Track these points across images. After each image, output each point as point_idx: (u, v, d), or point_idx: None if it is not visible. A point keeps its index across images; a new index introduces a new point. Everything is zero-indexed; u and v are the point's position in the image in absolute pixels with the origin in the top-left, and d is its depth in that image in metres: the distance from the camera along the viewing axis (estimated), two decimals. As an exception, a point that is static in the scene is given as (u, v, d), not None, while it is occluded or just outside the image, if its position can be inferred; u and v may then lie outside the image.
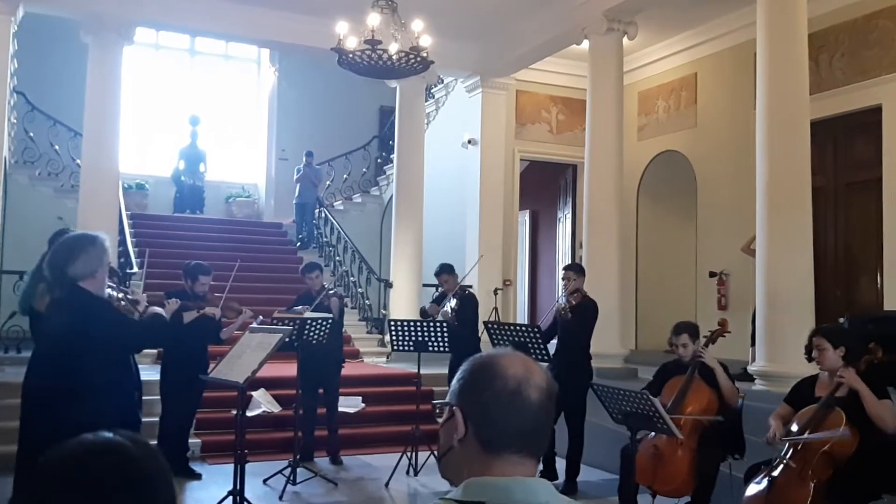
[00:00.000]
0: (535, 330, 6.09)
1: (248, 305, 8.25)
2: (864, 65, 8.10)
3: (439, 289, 7.62)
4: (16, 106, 11.43)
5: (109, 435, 1.11)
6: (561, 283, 6.65)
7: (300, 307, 6.92)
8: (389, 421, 7.96)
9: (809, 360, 4.50)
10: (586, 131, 8.89)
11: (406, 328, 6.86)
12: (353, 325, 10.86)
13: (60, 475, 1.05)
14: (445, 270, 7.36)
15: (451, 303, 6.91)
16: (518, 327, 6.45)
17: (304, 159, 13.55)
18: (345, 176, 14.71)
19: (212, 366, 5.56)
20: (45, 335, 3.62)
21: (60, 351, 3.36)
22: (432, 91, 12.69)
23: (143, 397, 5.42)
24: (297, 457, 6.31)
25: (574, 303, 6.24)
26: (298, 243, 13.31)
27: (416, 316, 8.09)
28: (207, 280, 6.34)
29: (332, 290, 7.21)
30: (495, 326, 6.49)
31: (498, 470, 1.35)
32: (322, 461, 6.97)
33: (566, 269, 6.59)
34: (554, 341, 6.37)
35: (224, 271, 11.36)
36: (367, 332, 11.21)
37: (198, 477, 6.38)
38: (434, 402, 7.19)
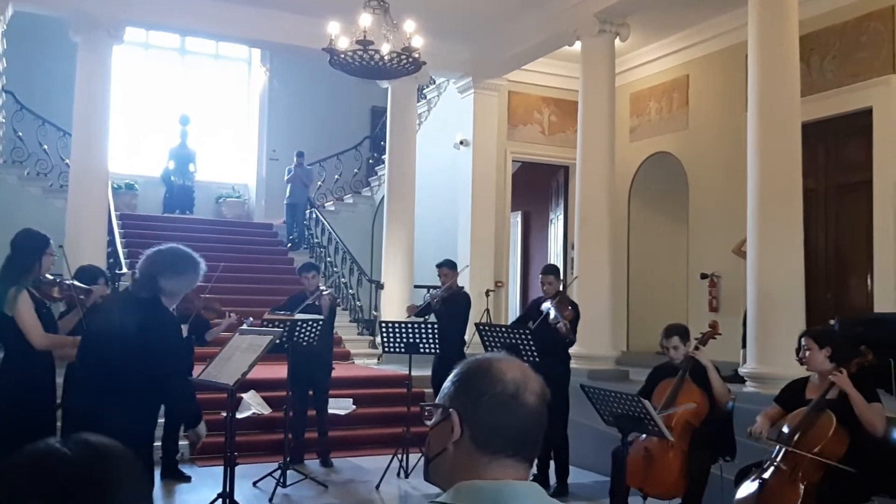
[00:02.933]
0: (527, 332, 6.07)
1: (239, 306, 8.22)
2: (855, 67, 8.12)
3: (430, 291, 7.60)
4: (4, 105, 11.37)
5: (50, 442, 1.06)
6: (542, 288, 6.56)
7: (282, 313, 6.82)
8: (380, 423, 7.94)
9: (800, 361, 4.51)
10: (578, 133, 8.88)
11: (397, 330, 6.84)
12: (343, 326, 10.83)
13: None
14: (447, 265, 7.43)
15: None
16: (510, 329, 6.43)
17: (294, 160, 13.50)
18: (336, 176, 14.68)
19: (201, 368, 5.51)
20: (97, 324, 3.52)
21: (109, 348, 3.24)
22: (424, 92, 12.66)
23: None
24: (287, 459, 6.29)
25: (570, 319, 6.18)
26: (289, 244, 13.27)
27: (405, 318, 8.05)
28: None
29: (325, 291, 7.19)
30: (487, 328, 6.47)
31: (491, 473, 1.34)
32: (312, 463, 6.94)
33: (545, 272, 6.54)
34: None
35: (214, 272, 11.28)
36: (358, 334, 11.18)
37: (187, 479, 6.34)
38: (422, 404, 7.16)
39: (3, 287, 4.07)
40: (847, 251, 8.45)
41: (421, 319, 7.17)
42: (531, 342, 5.97)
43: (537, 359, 5.81)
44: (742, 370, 6.63)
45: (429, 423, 1.45)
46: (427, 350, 6.75)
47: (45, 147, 12.09)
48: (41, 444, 1.06)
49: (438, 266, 7.44)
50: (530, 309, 6.58)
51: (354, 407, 7.80)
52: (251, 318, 6.47)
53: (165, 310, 3.37)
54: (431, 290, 7.74)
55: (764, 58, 6.64)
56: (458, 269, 7.57)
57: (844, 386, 4.09)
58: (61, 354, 4.33)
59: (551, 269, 6.66)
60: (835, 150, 8.53)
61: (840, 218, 8.49)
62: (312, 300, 6.95)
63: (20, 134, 11.84)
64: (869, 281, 8.06)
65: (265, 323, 6.29)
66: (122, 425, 1.19)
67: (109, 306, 3.67)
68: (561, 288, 6.57)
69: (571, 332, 6.18)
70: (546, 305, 6.30)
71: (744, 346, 7.01)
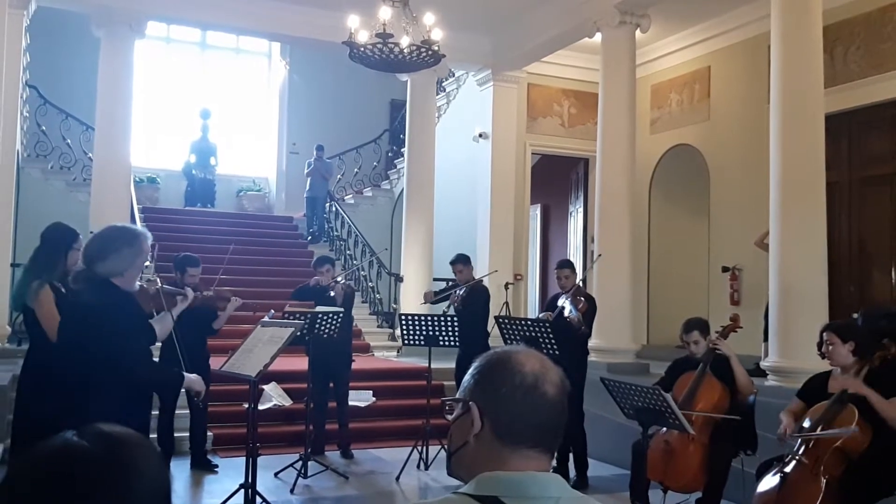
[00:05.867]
0: (546, 325, 6.07)
1: (259, 299, 8.27)
2: (879, 58, 8.01)
3: (449, 282, 7.61)
4: (28, 100, 11.48)
5: (67, 436, 1.05)
6: (557, 283, 6.58)
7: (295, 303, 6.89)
8: (400, 415, 7.98)
9: (822, 356, 4.47)
10: (598, 125, 8.84)
11: (417, 322, 6.86)
12: (363, 318, 10.87)
13: (13, 495, 1.01)
14: (461, 260, 7.41)
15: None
16: (529, 322, 6.43)
17: (314, 153, 13.55)
18: (355, 170, 14.70)
19: (219, 359, 5.55)
20: (63, 322, 3.54)
21: (71, 340, 3.30)
22: (443, 84, 12.65)
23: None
24: (309, 450, 6.34)
25: (584, 311, 6.21)
26: (309, 237, 13.34)
27: (425, 310, 8.07)
28: (197, 272, 6.22)
29: (341, 281, 7.22)
30: (506, 321, 6.48)
31: (513, 465, 1.36)
32: (333, 455, 6.99)
33: (560, 267, 6.57)
34: None
35: (235, 265, 11.37)
36: (378, 327, 11.23)
37: (215, 467, 6.48)
38: (443, 398, 7.19)
39: (27, 279, 4.13)
40: (870, 244, 8.36)
41: (440, 312, 7.18)
42: (550, 335, 5.98)
43: (557, 351, 5.81)
44: (764, 364, 6.59)
45: (450, 417, 1.46)
46: (446, 343, 6.76)
47: (69, 141, 12.23)
48: (58, 439, 1.05)
49: (452, 263, 7.40)
50: (549, 306, 6.59)
51: (374, 399, 7.84)
52: (273, 311, 6.51)
53: (107, 293, 3.28)
54: (450, 282, 7.74)
55: (786, 49, 6.57)
56: (486, 264, 7.54)
57: (860, 390, 4.05)
58: None
59: (566, 264, 6.66)
60: (858, 142, 8.43)
61: (863, 210, 8.40)
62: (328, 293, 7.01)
63: (44, 128, 11.98)
64: (893, 274, 7.97)
65: (286, 315, 6.33)
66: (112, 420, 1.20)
67: (64, 313, 3.62)
68: (577, 281, 6.59)
69: (583, 323, 6.18)
70: (562, 301, 6.31)
71: (765, 339, 6.96)
